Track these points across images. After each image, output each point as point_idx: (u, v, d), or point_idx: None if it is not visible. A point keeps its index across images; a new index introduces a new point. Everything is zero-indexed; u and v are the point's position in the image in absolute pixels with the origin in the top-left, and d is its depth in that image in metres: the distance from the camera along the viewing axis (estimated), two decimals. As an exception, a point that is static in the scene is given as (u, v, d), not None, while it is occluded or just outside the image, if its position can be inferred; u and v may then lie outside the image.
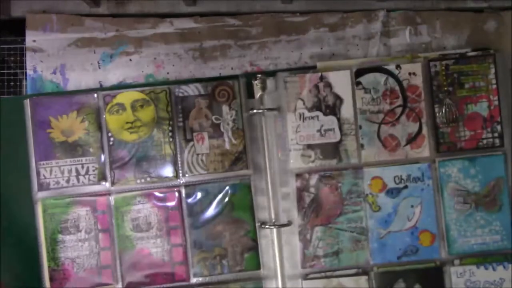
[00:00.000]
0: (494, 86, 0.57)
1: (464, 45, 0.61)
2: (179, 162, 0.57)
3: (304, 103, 0.58)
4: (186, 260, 0.57)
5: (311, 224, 0.57)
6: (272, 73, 0.58)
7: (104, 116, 0.57)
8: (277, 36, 0.61)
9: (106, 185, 0.57)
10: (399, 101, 0.57)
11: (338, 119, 0.57)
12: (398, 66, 0.57)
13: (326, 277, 0.57)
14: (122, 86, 0.59)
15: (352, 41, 0.61)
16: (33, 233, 0.56)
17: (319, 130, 0.57)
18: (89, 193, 0.57)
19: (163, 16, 0.61)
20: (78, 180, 0.57)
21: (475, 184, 0.57)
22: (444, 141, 0.57)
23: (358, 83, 0.57)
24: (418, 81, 0.57)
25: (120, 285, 0.56)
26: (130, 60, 0.60)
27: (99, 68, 0.60)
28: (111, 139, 0.57)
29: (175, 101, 0.58)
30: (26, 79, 0.60)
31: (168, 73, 0.60)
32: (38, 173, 0.56)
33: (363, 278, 0.56)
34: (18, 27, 0.61)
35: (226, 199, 0.57)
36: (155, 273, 0.56)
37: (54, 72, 0.60)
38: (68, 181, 0.57)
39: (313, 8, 0.62)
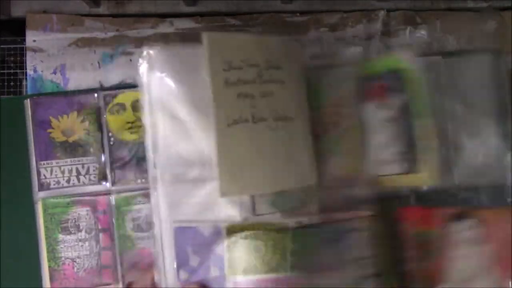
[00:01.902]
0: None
1: (464, 45, 0.61)
2: (179, 162, 0.57)
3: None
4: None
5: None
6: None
7: (104, 116, 0.57)
8: (277, 36, 0.61)
9: (107, 185, 0.57)
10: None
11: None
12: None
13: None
14: (122, 86, 0.59)
15: (352, 41, 0.61)
16: (33, 233, 0.56)
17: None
18: (90, 193, 0.57)
19: (163, 16, 0.61)
20: (78, 180, 0.57)
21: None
22: None
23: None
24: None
25: (120, 285, 0.56)
26: (131, 60, 0.60)
27: (100, 68, 0.60)
28: (112, 139, 0.57)
29: (175, 101, 0.58)
30: (26, 79, 0.60)
31: (168, 73, 0.60)
32: (38, 173, 0.56)
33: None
34: (18, 27, 0.61)
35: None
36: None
37: (55, 72, 0.60)
38: (68, 181, 0.57)
39: (313, 8, 0.62)
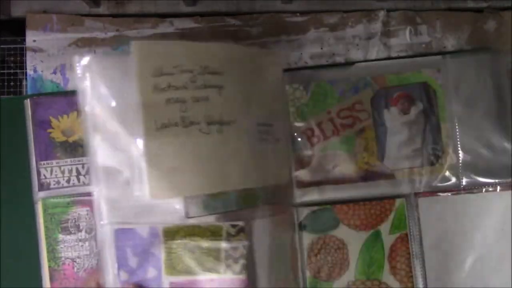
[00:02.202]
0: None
1: (464, 45, 0.61)
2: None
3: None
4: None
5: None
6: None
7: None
8: (277, 36, 0.61)
9: (107, 185, 0.57)
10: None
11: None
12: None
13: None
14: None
15: (352, 41, 0.61)
16: (33, 233, 0.56)
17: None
18: (90, 193, 0.56)
19: (163, 16, 0.61)
20: (78, 180, 0.57)
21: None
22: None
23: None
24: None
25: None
26: (131, 60, 0.60)
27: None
28: (112, 139, 0.57)
29: (175, 101, 0.58)
30: (26, 79, 0.60)
31: (168, 73, 0.60)
32: (38, 173, 0.56)
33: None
34: (18, 27, 0.61)
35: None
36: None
37: (55, 72, 0.60)
38: (68, 181, 0.57)
39: (313, 8, 0.62)
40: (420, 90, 0.57)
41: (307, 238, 0.55)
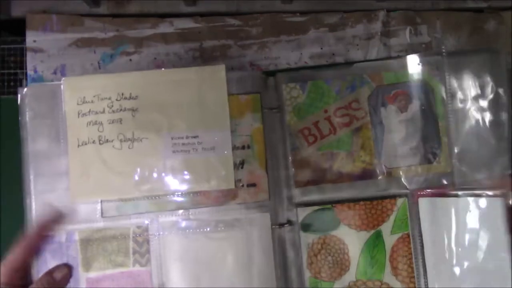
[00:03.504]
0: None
1: (464, 45, 0.61)
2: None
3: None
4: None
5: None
6: (272, 73, 0.58)
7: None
8: (277, 36, 0.61)
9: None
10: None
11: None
12: None
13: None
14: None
15: (352, 41, 0.61)
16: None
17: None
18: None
19: (163, 16, 0.61)
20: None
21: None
22: None
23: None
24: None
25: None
26: (130, 60, 0.60)
27: (99, 68, 0.60)
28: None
29: (175, 101, 0.58)
30: (26, 79, 0.60)
31: (168, 73, 0.60)
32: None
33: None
34: (18, 27, 0.61)
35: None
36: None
37: (55, 72, 0.60)
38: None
39: (313, 8, 0.62)
40: (417, 88, 0.57)
41: (308, 238, 0.56)
